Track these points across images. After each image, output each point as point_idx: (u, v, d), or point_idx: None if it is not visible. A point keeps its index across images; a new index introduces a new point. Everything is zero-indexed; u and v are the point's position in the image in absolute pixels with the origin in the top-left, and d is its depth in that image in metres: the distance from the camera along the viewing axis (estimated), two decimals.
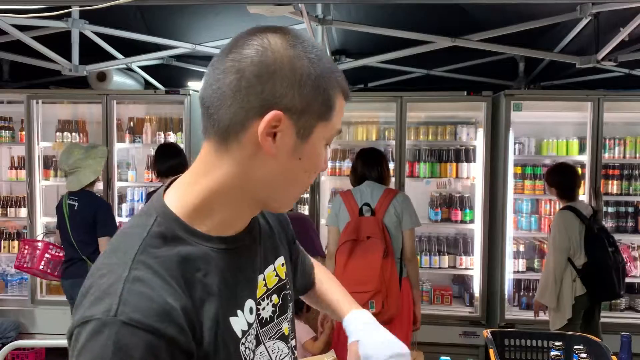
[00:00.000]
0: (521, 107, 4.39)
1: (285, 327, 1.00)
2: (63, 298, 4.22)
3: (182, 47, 4.51)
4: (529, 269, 4.67)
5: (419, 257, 4.46)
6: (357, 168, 3.34)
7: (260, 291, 0.93)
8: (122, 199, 4.97)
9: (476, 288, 4.65)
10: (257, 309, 0.92)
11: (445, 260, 4.77)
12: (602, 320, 3.77)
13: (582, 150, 4.55)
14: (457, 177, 4.76)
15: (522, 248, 4.67)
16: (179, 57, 5.14)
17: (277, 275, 1.00)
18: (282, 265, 1.02)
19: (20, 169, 4.97)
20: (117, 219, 4.09)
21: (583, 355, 1.78)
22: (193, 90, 4.93)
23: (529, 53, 4.24)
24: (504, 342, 2.16)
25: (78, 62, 4.17)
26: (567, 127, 4.74)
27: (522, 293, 4.65)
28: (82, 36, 4.12)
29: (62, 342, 3.71)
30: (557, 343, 1.86)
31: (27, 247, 3.97)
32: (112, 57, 4.54)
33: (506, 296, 4.46)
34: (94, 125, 4.96)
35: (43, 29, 4.04)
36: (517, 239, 4.70)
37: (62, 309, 4.44)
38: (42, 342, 4.48)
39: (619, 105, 4.54)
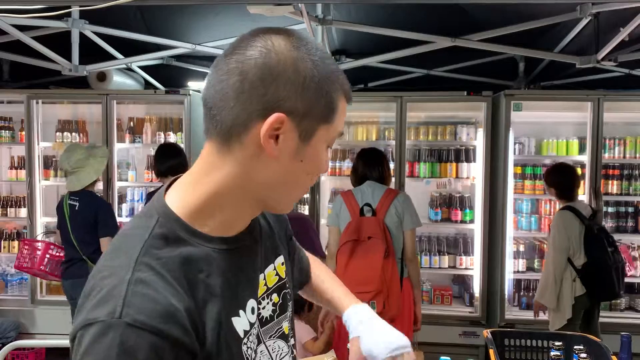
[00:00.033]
0: (521, 107, 4.39)
1: (286, 326, 1.00)
2: (63, 298, 4.21)
3: (182, 47, 4.51)
4: (529, 269, 4.67)
5: (419, 257, 4.46)
6: (358, 168, 3.34)
7: (260, 290, 0.94)
8: (122, 199, 4.97)
9: (476, 288, 4.65)
10: (258, 308, 0.92)
11: (445, 260, 4.77)
12: (602, 320, 3.77)
13: (582, 150, 4.55)
14: (457, 177, 4.76)
15: (522, 248, 4.67)
16: (179, 57, 5.14)
17: (277, 274, 1.00)
18: (282, 264, 1.03)
19: (20, 169, 4.97)
20: (118, 219, 4.09)
21: (583, 355, 1.78)
22: (193, 90, 4.93)
23: (529, 53, 4.24)
24: (504, 342, 2.16)
25: (78, 62, 4.17)
26: (567, 127, 4.74)
27: (522, 293, 4.65)
28: (82, 36, 4.12)
29: (62, 342, 3.71)
30: (557, 343, 1.86)
31: (26, 247, 3.97)
32: (112, 57, 4.54)
33: (506, 296, 4.46)
34: (94, 125, 4.96)
35: (43, 29, 4.04)
36: (517, 239, 4.70)
37: (62, 309, 4.44)
38: (42, 342, 4.48)
39: (619, 105, 4.54)
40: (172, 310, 0.74)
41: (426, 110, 4.94)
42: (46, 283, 4.84)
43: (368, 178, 3.27)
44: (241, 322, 0.86)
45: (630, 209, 4.60)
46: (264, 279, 0.96)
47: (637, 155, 4.56)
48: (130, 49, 4.56)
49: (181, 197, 0.86)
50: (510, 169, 4.45)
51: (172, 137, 4.82)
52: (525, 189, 4.63)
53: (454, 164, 4.73)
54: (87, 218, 3.66)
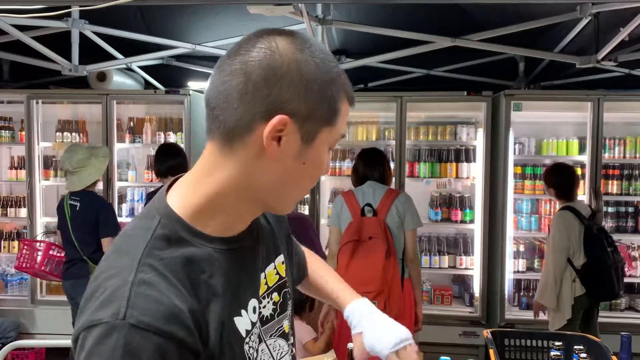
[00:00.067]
0: (521, 107, 4.39)
1: (286, 325, 1.01)
2: (63, 298, 4.21)
3: (182, 47, 4.51)
4: (529, 269, 4.67)
5: (419, 257, 4.47)
6: (359, 168, 3.34)
7: (261, 290, 0.94)
8: (122, 199, 4.97)
9: (476, 288, 4.65)
10: (259, 308, 0.92)
11: (445, 260, 4.77)
12: (602, 320, 3.77)
13: (582, 150, 4.55)
14: (457, 177, 4.76)
15: (522, 248, 4.67)
16: (179, 57, 5.14)
17: (277, 273, 1.00)
18: (282, 263, 1.03)
19: (20, 169, 4.97)
20: (118, 219, 4.08)
21: (583, 355, 1.78)
22: (193, 90, 4.93)
23: (529, 53, 4.24)
24: (504, 342, 2.16)
25: (78, 62, 4.17)
26: (567, 127, 4.74)
27: (522, 293, 4.65)
28: (82, 36, 4.12)
29: (62, 342, 3.71)
30: (557, 343, 1.86)
31: (26, 247, 3.97)
32: (112, 57, 4.54)
33: (506, 296, 4.46)
34: (94, 125, 4.96)
35: (43, 29, 4.04)
36: (517, 239, 4.70)
37: (62, 309, 4.44)
38: (42, 342, 4.48)
39: (619, 105, 4.54)
40: (176, 311, 0.74)
41: (426, 110, 4.94)
42: (46, 283, 4.84)
43: (369, 178, 3.27)
44: (243, 322, 0.86)
45: (630, 209, 4.60)
46: (265, 278, 0.96)
47: (637, 155, 4.56)
48: (130, 49, 4.56)
49: (183, 197, 0.86)
50: (510, 169, 4.45)
51: (172, 137, 4.82)
52: (525, 189, 4.63)
53: (454, 164, 4.73)
54: (88, 218, 3.66)
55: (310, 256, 1.34)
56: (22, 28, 3.73)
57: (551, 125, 4.78)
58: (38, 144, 4.85)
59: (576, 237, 3.49)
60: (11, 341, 3.67)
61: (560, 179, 3.65)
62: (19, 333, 4.65)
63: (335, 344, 3.14)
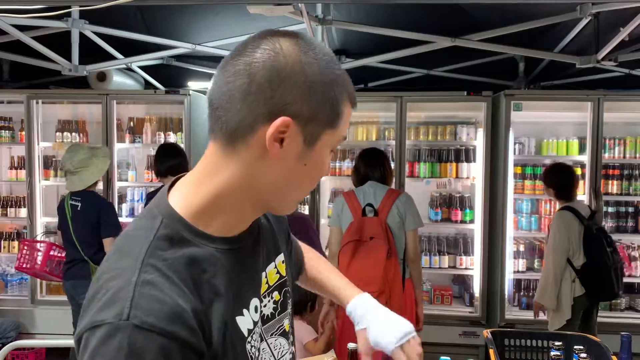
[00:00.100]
0: (521, 107, 4.39)
1: (286, 324, 1.02)
2: (63, 298, 4.21)
3: (182, 47, 4.51)
4: (529, 269, 4.67)
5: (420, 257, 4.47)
6: (360, 168, 3.33)
7: (262, 289, 0.95)
8: (122, 199, 4.97)
9: (476, 288, 4.65)
10: (260, 307, 0.93)
11: (445, 260, 4.77)
12: (602, 320, 3.76)
13: (582, 150, 4.55)
14: (457, 177, 4.76)
15: (522, 248, 4.67)
16: (179, 57, 5.15)
17: (278, 272, 1.01)
18: (283, 262, 1.04)
19: (20, 169, 4.97)
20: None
21: (583, 355, 1.78)
22: (193, 90, 4.93)
23: (529, 53, 4.24)
24: (504, 342, 2.16)
25: (78, 62, 4.17)
26: (567, 127, 4.74)
27: (522, 293, 4.65)
28: (82, 36, 4.12)
29: (62, 342, 3.71)
30: (557, 343, 1.86)
31: (26, 247, 3.96)
32: (112, 57, 4.54)
33: (506, 296, 4.46)
34: (94, 125, 4.96)
35: (43, 29, 4.04)
36: (517, 239, 4.70)
37: (62, 309, 4.44)
38: (42, 342, 4.48)
39: (619, 105, 4.53)
40: (179, 311, 0.74)
41: (426, 110, 4.94)
42: (46, 283, 4.83)
43: (370, 178, 3.27)
44: (245, 321, 0.87)
45: (630, 209, 4.60)
46: (266, 277, 0.96)
47: (637, 155, 4.56)
48: (130, 49, 4.56)
49: (184, 197, 0.86)
50: (510, 169, 4.45)
51: (172, 137, 4.82)
52: (525, 189, 4.63)
53: (454, 164, 4.73)
54: (90, 218, 3.65)
55: (308, 252, 1.35)
56: (22, 28, 3.73)
57: (551, 125, 4.78)
58: (38, 144, 4.85)
59: (576, 238, 3.48)
60: (11, 341, 3.67)
61: (559, 179, 3.65)
62: (19, 333, 4.65)
63: (338, 343, 3.14)
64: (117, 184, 4.83)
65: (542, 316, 3.65)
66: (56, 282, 4.44)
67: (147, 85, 5.42)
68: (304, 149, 0.83)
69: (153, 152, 4.45)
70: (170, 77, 5.41)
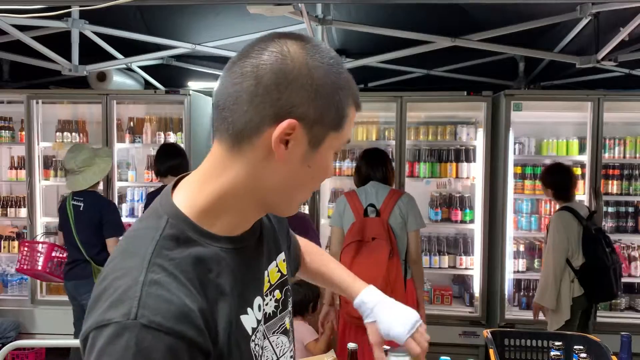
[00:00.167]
0: (521, 107, 4.39)
1: (287, 322, 1.03)
2: (63, 298, 4.21)
3: (182, 47, 4.51)
4: (529, 269, 4.66)
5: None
6: (362, 168, 3.32)
7: (264, 287, 0.95)
8: (122, 199, 4.97)
9: (476, 288, 4.65)
10: (263, 305, 0.94)
11: (445, 260, 4.77)
12: (602, 320, 3.76)
13: (582, 150, 4.55)
14: (457, 177, 4.76)
15: (522, 248, 4.67)
16: (179, 57, 5.15)
17: (279, 271, 1.02)
18: (284, 261, 1.05)
19: (20, 169, 4.97)
20: None
21: (583, 355, 1.78)
22: (193, 90, 4.93)
23: (529, 53, 4.24)
24: (504, 342, 2.16)
25: (78, 62, 4.17)
26: (567, 127, 4.74)
27: (522, 293, 4.65)
28: (82, 36, 4.12)
29: (62, 342, 3.71)
30: (557, 343, 1.86)
31: (27, 249, 3.95)
32: (112, 57, 4.54)
33: (506, 296, 4.46)
34: (94, 125, 4.96)
35: (43, 29, 4.04)
36: (517, 239, 4.70)
37: (62, 309, 4.44)
38: (42, 342, 4.48)
39: (619, 105, 4.53)
40: (186, 310, 0.75)
41: (426, 110, 4.94)
42: (46, 283, 4.83)
43: (372, 178, 3.26)
44: (250, 320, 0.88)
45: (630, 209, 4.60)
46: (267, 276, 0.97)
47: (637, 155, 4.56)
48: (130, 49, 4.56)
49: (189, 197, 0.86)
50: (510, 169, 4.45)
51: (172, 137, 4.82)
52: (525, 189, 4.63)
53: (454, 164, 4.73)
54: (93, 219, 3.63)
55: (310, 246, 1.37)
56: (22, 28, 3.73)
57: (551, 125, 4.77)
58: (38, 144, 4.85)
59: (575, 238, 3.48)
60: (11, 341, 3.66)
61: (557, 179, 3.64)
62: (19, 333, 4.65)
63: (339, 344, 3.14)
64: (117, 184, 4.83)
65: (541, 317, 3.64)
66: (56, 282, 4.43)
67: (147, 85, 5.42)
68: (308, 151, 0.83)
69: (153, 152, 4.45)
70: (170, 77, 5.42)
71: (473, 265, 4.70)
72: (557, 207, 3.67)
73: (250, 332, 0.87)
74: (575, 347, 1.82)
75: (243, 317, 0.86)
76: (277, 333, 0.98)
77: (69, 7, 3.05)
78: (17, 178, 4.99)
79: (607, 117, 4.36)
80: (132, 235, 0.85)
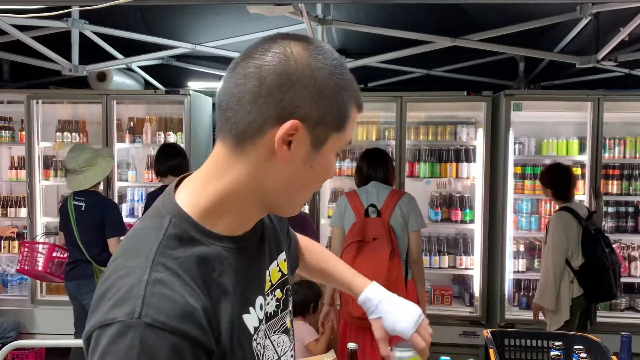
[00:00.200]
0: (521, 107, 4.39)
1: (288, 321, 1.03)
2: (63, 298, 4.21)
3: (182, 47, 4.51)
4: (529, 269, 4.66)
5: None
6: (363, 169, 3.32)
7: (266, 287, 0.96)
8: (122, 199, 4.97)
9: (476, 288, 4.65)
10: (264, 305, 0.94)
11: (445, 260, 4.77)
12: (602, 320, 3.75)
13: (582, 150, 4.55)
14: (457, 177, 4.75)
15: (522, 248, 4.66)
16: (179, 57, 5.15)
17: (280, 270, 1.03)
18: (284, 260, 1.05)
19: (20, 169, 4.97)
20: None
21: (583, 355, 1.78)
22: (193, 90, 4.93)
23: (529, 53, 4.24)
24: (504, 342, 2.16)
25: (78, 62, 4.18)
26: (567, 127, 4.74)
27: (522, 293, 4.65)
28: (82, 36, 4.12)
29: (62, 342, 3.71)
30: (557, 343, 1.86)
31: (27, 250, 3.95)
32: (112, 57, 4.54)
33: (506, 296, 4.46)
34: (94, 125, 4.96)
35: (43, 29, 4.04)
36: (517, 239, 4.70)
37: (62, 309, 4.44)
38: (42, 342, 4.48)
39: (619, 105, 4.53)
40: (190, 309, 0.75)
41: (426, 110, 4.94)
42: (46, 283, 4.83)
43: (373, 179, 3.25)
44: (251, 319, 0.88)
45: (630, 209, 4.60)
46: (269, 275, 0.98)
47: (637, 155, 4.56)
48: (130, 49, 4.56)
49: (191, 196, 0.87)
50: (510, 169, 4.45)
51: (172, 137, 4.82)
52: (525, 189, 4.63)
53: (454, 164, 4.73)
54: (95, 219, 3.63)
55: (308, 242, 1.37)
56: (22, 28, 3.73)
57: (551, 125, 4.77)
58: (38, 144, 4.85)
59: (574, 238, 3.47)
60: (11, 341, 3.66)
61: (556, 179, 3.63)
62: (19, 333, 4.64)
63: (340, 344, 3.14)
64: (117, 184, 4.83)
65: (541, 317, 3.64)
66: (57, 283, 4.43)
67: (147, 85, 5.42)
68: (311, 152, 0.84)
69: (153, 152, 4.45)
70: (170, 77, 5.42)
71: (473, 265, 4.70)
72: (557, 207, 3.67)
73: (252, 331, 0.88)
74: (575, 347, 1.82)
75: (245, 317, 0.86)
76: (278, 332, 0.99)
77: (69, 7, 3.06)
78: (17, 178, 4.99)
79: (607, 117, 4.36)
80: (135, 235, 0.85)
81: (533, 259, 4.68)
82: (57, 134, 4.90)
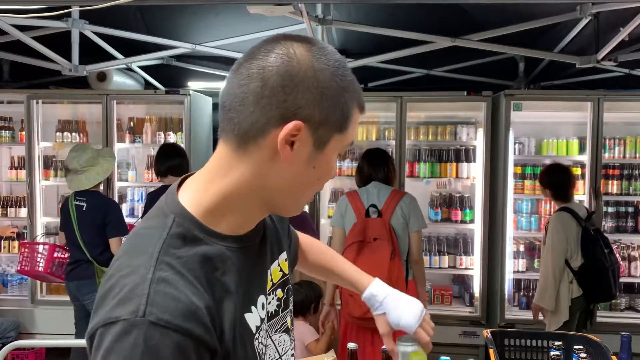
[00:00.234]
0: (521, 107, 4.39)
1: (288, 321, 1.04)
2: (63, 298, 4.20)
3: (182, 47, 4.51)
4: (529, 269, 4.66)
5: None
6: (364, 169, 3.31)
7: (267, 286, 0.97)
8: (122, 199, 4.97)
9: (476, 288, 4.65)
10: (266, 304, 0.95)
11: (445, 260, 4.77)
12: (602, 320, 3.75)
13: (582, 150, 4.55)
14: (457, 177, 4.75)
15: (522, 248, 4.66)
16: (179, 57, 5.15)
17: (281, 270, 1.03)
18: (285, 260, 1.06)
19: (20, 169, 4.97)
20: None
21: (583, 355, 1.78)
22: (193, 90, 4.93)
23: (529, 53, 4.24)
24: (504, 342, 2.16)
25: (78, 62, 4.18)
26: (567, 127, 4.74)
27: (522, 293, 4.65)
28: (82, 36, 4.12)
29: (62, 342, 3.71)
30: (557, 343, 1.86)
31: (27, 250, 3.95)
32: (112, 57, 4.54)
33: (506, 296, 4.46)
34: (94, 125, 4.96)
35: (43, 29, 4.04)
36: (517, 239, 4.70)
37: (62, 309, 4.44)
38: (42, 342, 4.48)
39: (619, 105, 4.53)
40: (194, 308, 0.75)
41: (426, 110, 4.94)
42: (46, 283, 4.83)
43: (373, 179, 3.25)
44: (253, 318, 0.89)
45: (630, 209, 4.59)
46: (270, 275, 0.98)
47: (637, 155, 4.56)
48: (130, 49, 4.57)
49: (194, 196, 0.87)
50: (510, 169, 4.45)
51: (172, 137, 4.82)
52: (525, 189, 4.63)
53: (454, 164, 4.73)
54: (96, 219, 3.62)
55: (308, 239, 1.38)
56: (22, 28, 3.73)
57: (551, 125, 4.77)
58: (38, 144, 4.85)
59: (574, 239, 3.47)
60: (11, 341, 3.66)
61: (555, 179, 3.63)
62: (19, 333, 4.65)
63: (340, 344, 3.14)
64: (117, 184, 4.83)
65: (541, 318, 3.64)
66: (57, 283, 4.43)
67: (147, 85, 5.42)
68: (313, 152, 0.84)
69: (153, 152, 4.45)
70: (170, 77, 5.42)
71: (473, 265, 4.70)
72: (556, 207, 3.67)
73: (254, 330, 0.88)
74: (575, 347, 1.82)
75: (247, 316, 0.87)
76: (279, 332, 0.99)
77: (69, 7, 3.06)
78: (17, 178, 4.99)
79: (607, 117, 4.36)
80: (138, 234, 0.86)
81: (533, 259, 4.68)
82: (57, 134, 4.90)
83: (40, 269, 3.85)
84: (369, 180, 3.26)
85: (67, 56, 4.11)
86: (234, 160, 0.85)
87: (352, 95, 0.86)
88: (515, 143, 4.58)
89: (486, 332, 2.15)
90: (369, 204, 3.16)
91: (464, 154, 4.75)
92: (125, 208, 4.92)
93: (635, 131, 4.66)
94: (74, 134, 4.93)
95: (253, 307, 0.89)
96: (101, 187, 4.46)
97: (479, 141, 4.65)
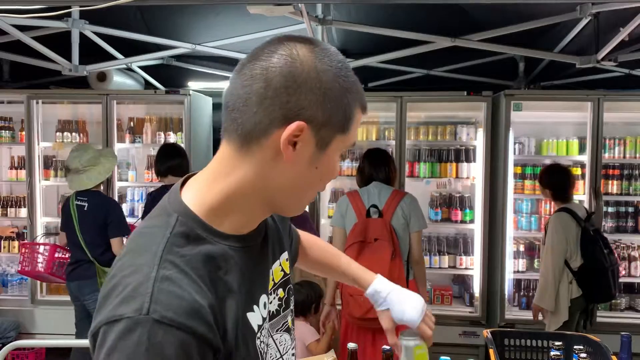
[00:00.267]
0: (521, 107, 4.39)
1: (289, 320, 1.04)
2: (63, 298, 4.20)
3: (182, 47, 4.51)
4: (529, 269, 4.66)
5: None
6: (364, 169, 3.31)
7: (269, 286, 0.97)
8: (122, 199, 4.97)
9: (476, 288, 4.65)
10: (268, 303, 0.95)
11: (445, 260, 4.77)
12: (602, 320, 3.75)
13: (582, 150, 4.55)
14: (457, 177, 4.75)
15: (522, 248, 4.66)
16: (179, 57, 5.15)
17: (282, 269, 1.04)
18: (286, 260, 1.07)
19: (20, 169, 4.97)
20: None
21: (583, 355, 1.78)
22: (193, 90, 4.93)
23: (529, 53, 4.24)
24: (504, 342, 2.16)
25: (78, 62, 4.18)
26: (567, 127, 4.74)
27: (522, 293, 4.65)
28: (82, 36, 4.12)
29: (62, 342, 3.71)
30: (557, 343, 1.86)
31: (27, 250, 3.94)
32: (112, 57, 4.54)
33: (506, 296, 4.46)
34: (94, 125, 4.96)
35: (43, 29, 4.04)
36: (517, 239, 4.70)
37: (62, 309, 4.44)
38: (42, 342, 4.48)
39: (619, 105, 4.53)
40: (197, 307, 0.76)
41: (426, 110, 4.94)
42: (46, 283, 4.83)
43: (374, 179, 3.25)
44: (255, 317, 0.89)
45: (630, 209, 4.59)
46: (272, 274, 0.99)
47: (637, 155, 4.56)
48: (130, 49, 4.57)
49: (197, 195, 0.88)
50: (510, 169, 4.45)
51: (172, 137, 4.82)
52: (525, 189, 4.63)
53: (454, 164, 4.73)
54: (97, 218, 3.62)
55: (310, 237, 1.39)
56: (22, 28, 3.73)
57: (551, 125, 4.77)
58: (38, 144, 4.85)
59: (573, 239, 3.47)
60: (11, 341, 3.66)
61: (555, 179, 3.63)
62: (19, 333, 4.65)
63: (341, 343, 3.14)
64: (117, 184, 4.83)
65: (540, 318, 3.64)
66: (57, 283, 4.43)
67: (147, 85, 5.42)
68: (316, 153, 0.85)
69: (153, 152, 4.45)
70: (170, 77, 5.42)
71: (473, 265, 4.70)
72: (556, 207, 3.67)
73: (256, 329, 0.89)
74: (575, 347, 1.82)
75: (249, 315, 0.87)
76: (280, 331, 1.00)
77: (69, 7, 3.06)
78: (17, 178, 4.99)
79: (607, 117, 4.36)
80: (141, 233, 0.86)
81: (533, 259, 4.68)
82: (57, 134, 4.90)
83: (42, 269, 3.84)
84: (370, 180, 3.26)
85: (67, 56, 4.11)
86: (237, 160, 0.85)
87: (354, 96, 0.86)
88: (515, 143, 4.58)
89: (486, 332, 2.15)
90: (369, 204, 3.15)
91: (464, 154, 4.75)
92: (125, 208, 4.90)
93: (635, 131, 4.66)
94: (74, 134, 4.93)
95: (255, 307, 0.90)
96: (102, 187, 4.46)
97: (479, 141, 4.65)
